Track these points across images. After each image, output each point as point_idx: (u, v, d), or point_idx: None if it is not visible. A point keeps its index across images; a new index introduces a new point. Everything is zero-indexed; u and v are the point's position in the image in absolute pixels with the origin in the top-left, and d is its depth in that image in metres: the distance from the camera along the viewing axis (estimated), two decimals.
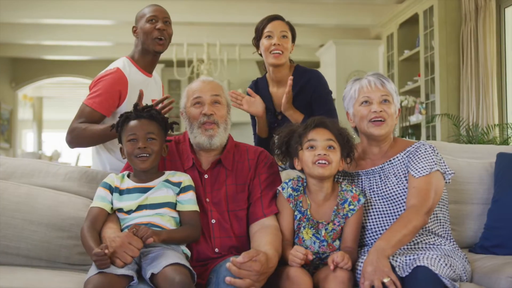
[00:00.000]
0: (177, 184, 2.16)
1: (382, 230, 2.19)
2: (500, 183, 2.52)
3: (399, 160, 2.25)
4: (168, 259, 1.89)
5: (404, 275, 1.97)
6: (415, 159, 2.20)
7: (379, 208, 2.22)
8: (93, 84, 2.71)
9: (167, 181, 2.16)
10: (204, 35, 7.96)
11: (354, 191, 2.19)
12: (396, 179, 2.22)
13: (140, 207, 2.11)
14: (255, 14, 7.86)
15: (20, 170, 2.51)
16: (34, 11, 7.62)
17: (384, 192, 2.23)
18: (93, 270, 1.88)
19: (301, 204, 2.19)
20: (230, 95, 2.70)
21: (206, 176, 2.27)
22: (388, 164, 2.26)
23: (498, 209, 2.46)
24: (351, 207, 2.16)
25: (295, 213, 2.19)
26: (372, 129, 2.25)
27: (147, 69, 2.84)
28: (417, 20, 6.62)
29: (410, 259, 2.03)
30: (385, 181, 2.24)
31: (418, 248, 2.14)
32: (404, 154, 2.25)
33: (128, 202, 2.12)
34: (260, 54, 2.93)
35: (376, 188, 2.25)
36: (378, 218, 2.21)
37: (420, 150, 2.22)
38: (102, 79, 2.68)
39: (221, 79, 6.63)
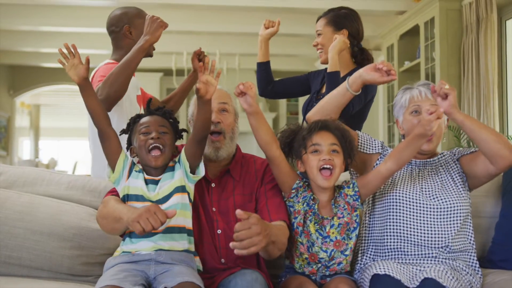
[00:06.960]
0: (176, 160, 2.12)
1: (402, 229, 2.17)
2: (508, 196, 2.49)
3: (439, 159, 2.33)
4: (184, 277, 1.85)
5: (411, 287, 1.95)
6: (461, 150, 2.33)
7: (410, 199, 2.21)
8: (91, 79, 2.65)
9: (168, 169, 2.11)
10: (203, 44, 7.95)
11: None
12: (444, 170, 2.29)
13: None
14: (255, 24, 7.87)
15: (22, 179, 2.48)
16: (33, 18, 7.60)
17: (418, 184, 2.25)
18: (100, 283, 1.84)
19: (311, 198, 2.19)
20: None
21: (213, 184, 2.24)
22: (429, 162, 2.32)
23: (507, 223, 2.43)
24: (349, 187, 2.20)
25: (303, 206, 2.17)
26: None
27: None
28: (417, 32, 6.61)
29: (416, 270, 2.03)
30: (430, 175, 2.29)
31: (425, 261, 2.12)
32: (441, 156, 2.34)
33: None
34: None
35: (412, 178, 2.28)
36: (404, 208, 2.19)
37: (457, 149, 2.36)
38: (96, 73, 2.69)
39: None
